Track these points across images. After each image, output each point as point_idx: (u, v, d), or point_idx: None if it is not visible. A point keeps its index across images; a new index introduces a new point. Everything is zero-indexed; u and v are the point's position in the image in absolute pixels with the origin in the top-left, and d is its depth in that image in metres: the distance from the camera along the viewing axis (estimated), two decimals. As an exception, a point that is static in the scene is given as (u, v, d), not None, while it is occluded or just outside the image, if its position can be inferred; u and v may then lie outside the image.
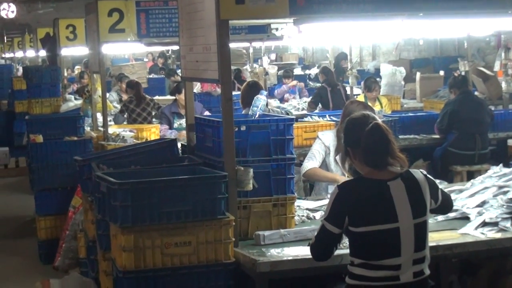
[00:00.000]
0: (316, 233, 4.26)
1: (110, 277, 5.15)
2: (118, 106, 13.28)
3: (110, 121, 10.86)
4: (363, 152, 4.16)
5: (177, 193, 4.60)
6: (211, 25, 4.95)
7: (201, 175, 4.93)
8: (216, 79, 4.96)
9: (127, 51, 22.08)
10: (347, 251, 4.23)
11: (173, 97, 11.42)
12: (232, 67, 9.82)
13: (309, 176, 6.46)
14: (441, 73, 15.62)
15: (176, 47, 15.20)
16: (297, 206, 5.58)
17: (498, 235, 4.92)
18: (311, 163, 6.37)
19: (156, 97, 14.43)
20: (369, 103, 8.85)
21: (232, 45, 4.87)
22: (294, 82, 16.04)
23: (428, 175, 4.30)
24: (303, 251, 4.62)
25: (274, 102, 13.96)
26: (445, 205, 4.43)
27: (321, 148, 6.40)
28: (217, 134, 5.19)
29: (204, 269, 4.62)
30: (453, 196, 5.73)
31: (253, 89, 7.31)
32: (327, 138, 6.41)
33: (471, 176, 8.85)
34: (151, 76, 20.09)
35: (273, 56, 23.25)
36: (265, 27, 9.79)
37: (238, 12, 4.88)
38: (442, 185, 5.97)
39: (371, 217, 4.07)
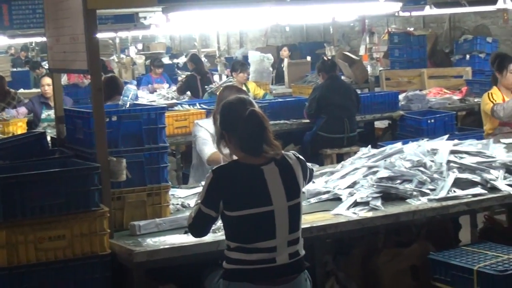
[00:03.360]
0: (193, 214, 4.25)
1: (-18, 276, 5.01)
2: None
3: (-26, 116, 10.54)
4: (239, 138, 4.18)
5: (49, 187, 4.51)
6: (78, 15, 4.85)
7: (73, 168, 4.84)
8: (85, 70, 4.88)
9: (-11, 44, 21.46)
10: (223, 237, 4.27)
11: (38, 90, 11.20)
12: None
13: (215, 160, 6.18)
14: (308, 58, 15.87)
15: (40, 39, 14.92)
16: (171, 195, 5.57)
17: (369, 214, 5.05)
18: (209, 148, 6.32)
19: (21, 90, 14.12)
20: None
21: (98, 36, 4.79)
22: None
23: (300, 156, 4.37)
24: (180, 239, 4.63)
25: (143, 93, 13.86)
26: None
27: (208, 135, 6.40)
28: (87, 126, 5.11)
29: (79, 262, 4.54)
30: (324, 178, 5.86)
31: (109, 84, 7.18)
32: (209, 125, 6.37)
33: (340, 158, 9.03)
34: (14, 69, 19.62)
35: (140, 46, 23.05)
36: (132, 16, 9.71)
37: (106, 2, 4.83)
38: (314, 168, 6.08)
39: (246, 201, 4.11)
